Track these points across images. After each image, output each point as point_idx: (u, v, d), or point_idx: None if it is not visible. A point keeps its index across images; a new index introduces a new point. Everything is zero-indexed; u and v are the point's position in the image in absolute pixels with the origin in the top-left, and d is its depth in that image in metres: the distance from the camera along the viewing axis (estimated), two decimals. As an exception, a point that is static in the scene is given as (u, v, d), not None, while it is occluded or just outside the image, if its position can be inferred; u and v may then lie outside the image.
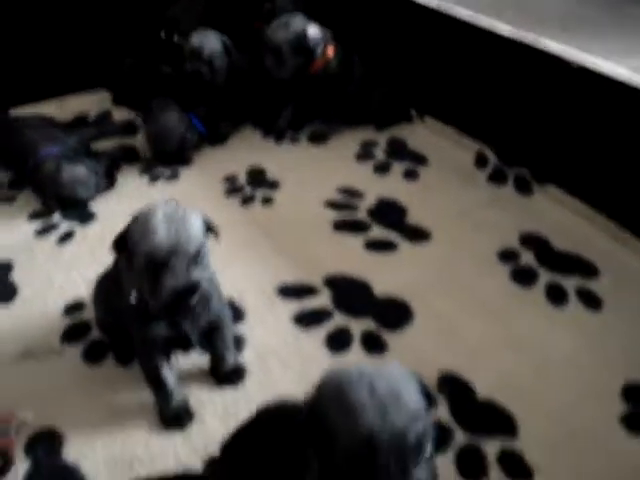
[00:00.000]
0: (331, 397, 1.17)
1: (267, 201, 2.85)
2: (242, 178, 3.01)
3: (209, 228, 1.84)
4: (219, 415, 1.95)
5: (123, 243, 1.77)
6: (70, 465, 1.87)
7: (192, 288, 1.72)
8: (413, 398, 1.15)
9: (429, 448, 1.15)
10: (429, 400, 1.22)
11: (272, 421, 1.50)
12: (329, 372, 1.23)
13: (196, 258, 1.74)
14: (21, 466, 1.88)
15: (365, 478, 1.10)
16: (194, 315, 1.84)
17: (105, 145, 3.28)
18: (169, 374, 1.94)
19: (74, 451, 1.90)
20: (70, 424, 1.97)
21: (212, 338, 2.00)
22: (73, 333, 2.26)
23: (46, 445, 1.93)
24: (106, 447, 1.90)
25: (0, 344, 2.25)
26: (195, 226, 1.76)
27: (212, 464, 1.66)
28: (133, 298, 1.82)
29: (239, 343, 2.17)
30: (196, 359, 2.11)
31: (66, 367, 2.15)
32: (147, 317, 1.83)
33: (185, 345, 1.93)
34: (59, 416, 2.00)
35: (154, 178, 3.06)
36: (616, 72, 2.34)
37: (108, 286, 2.07)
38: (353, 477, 1.12)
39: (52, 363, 2.17)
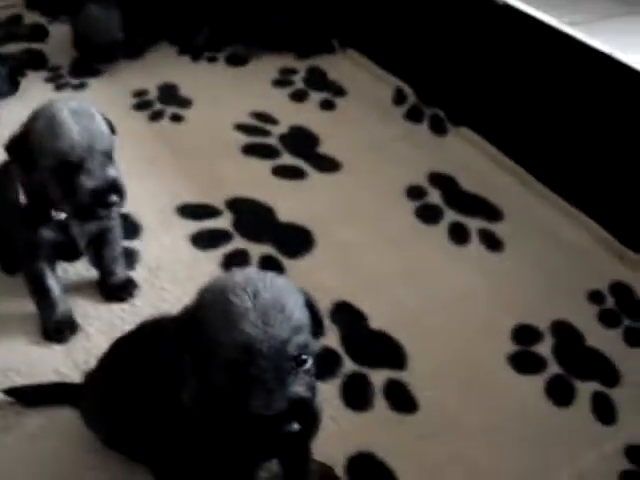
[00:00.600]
0: (212, 302, 1.11)
1: (176, 118, 2.75)
2: (153, 93, 2.90)
3: (110, 126, 1.75)
4: (104, 330, 1.88)
5: (22, 144, 1.65)
6: (-61, 373, 1.78)
7: (112, 187, 1.65)
8: (298, 310, 1.11)
9: (310, 362, 1.12)
10: (316, 316, 1.19)
11: (152, 333, 1.45)
12: (214, 278, 1.18)
13: (110, 155, 1.68)
14: None
15: (242, 387, 1.06)
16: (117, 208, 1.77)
17: (11, 49, 3.10)
18: (54, 283, 1.85)
19: (-55, 358, 1.82)
20: (-57, 330, 1.88)
21: (101, 247, 1.92)
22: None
23: None
24: (-21, 360, 1.82)
25: None
26: (103, 123, 1.68)
27: (89, 375, 1.61)
28: (23, 198, 1.73)
29: (131, 258, 2.10)
30: (83, 270, 2.04)
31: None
32: (35, 220, 1.74)
33: (72, 253, 1.85)
34: None
35: (60, 86, 2.92)
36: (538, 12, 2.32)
37: None
38: (230, 387, 1.08)
39: None
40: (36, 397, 1.72)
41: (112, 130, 1.75)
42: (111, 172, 1.65)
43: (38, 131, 1.62)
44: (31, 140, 1.63)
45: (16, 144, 1.67)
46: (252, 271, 1.18)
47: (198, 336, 1.11)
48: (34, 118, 1.65)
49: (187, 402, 1.23)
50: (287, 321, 1.08)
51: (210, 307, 1.11)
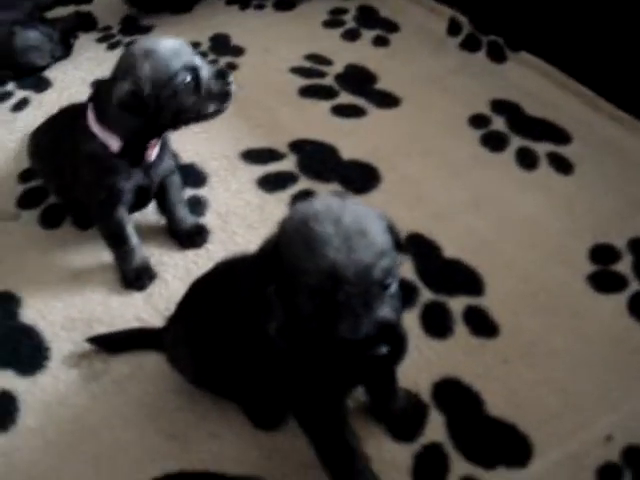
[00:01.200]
0: (295, 230, 1.10)
1: (231, 67, 2.72)
2: (205, 45, 2.88)
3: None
4: (181, 277, 1.91)
5: None
6: (27, 325, 1.83)
7: None
8: (380, 235, 1.09)
9: (395, 286, 1.11)
10: (398, 241, 1.17)
11: (230, 269, 1.46)
12: (294, 207, 1.18)
13: None
14: (-23, 328, 1.85)
15: (329, 315, 1.06)
16: (155, 164, 1.83)
17: (60, 12, 3.11)
18: (132, 231, 1.89)
19: (31, 313, 1.86)
20: (27, 287, 1.93)
21: (166, 192, 1.95)
22: (29, 198, 2.20)
23: (2, 307, 1.88)
24: (64, 309, 1.86)
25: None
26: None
27: (172, 318, 1.63)
28: (115, 144, 1.76)
29: (200, 206, 2.12)
30: (153, 220, 2.07)
31: (23, 231, 2.10)
32: (109, 168, 1.78)
33: (144, 199, 1.90)
34: (16, 279, 1.96)
35: (112, 46, 2.93)
36: None
37: (50, 140, 2.02)
38: (317, 315, 1.08)
39: (8, 228, 2.11)
40: (120, 343, 1.76)
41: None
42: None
43: None
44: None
45: None
46: (332, 198, 1.16)
47: (282, 266, 1.11)
48: None
49: (273, 334, 1.24)
50: (370, 246, 1.06)
51: (293, 236, 1.10)
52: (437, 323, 1.76)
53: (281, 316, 1.20)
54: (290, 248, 1.10)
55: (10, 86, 2.72)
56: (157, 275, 1.92)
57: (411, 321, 1.75)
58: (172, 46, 1.70)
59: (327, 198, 1.16)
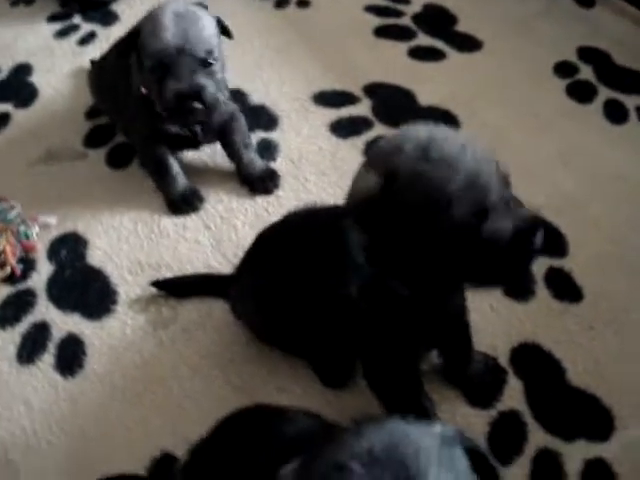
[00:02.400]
0: (419, 151, 1.01)
1: (303, 4, 2.61)
2: (274, -18, 2.76)
3: (224, 30, 1.75)
4: (250, 223, 1.85)
5: (133, 41, 1.71)
6: (94, 267, 1.80)
7: (195, 93, 1.65)
8: None
9: None
10: None
11: (305, 223, 1.40)
12: (386, 144, 1.09)
13: (204, 61, 1.66)
14: (44, 269, 1.83)
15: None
16: (201, 119, 1.79)
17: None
18: (174, 162, 1.90)
19: (99, 255, 1.84)
20: (94, 228, 1.91)
21: (228, 138, 1.92)
22: (96, 137, 2.16)
23: (70, 249, 1.86)
24: (131, 252, 1.84)
25: (21, 147, 2.16)
26: (207, 27, 1.68)
27: (238, 270, 1.59)
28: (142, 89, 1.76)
29: (271, 150, 2.05)
30: (224, 165, 2.01)
31: (90, 171, 2.06)
32: (155, 114, 1.77)
33: (193, 143, 1.90)
34: (83, 220, 1.93)
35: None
36: None
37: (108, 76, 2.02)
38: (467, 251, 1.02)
39: (76, 167, 2.08)
40: (186, 289, 1.73)
41: (227, 34, 1.76)
42: (199, 79, 1.65)
43: (143, 31, 1.68)
44: (139, 40, 1.69)
45: (127, 42, 1.74)
46: (422, 126, 1.09)
47: (399, 211, 1.02)
48: (145, 18, 1.70)
49: (355, 294, 1.18)
50: None
51: (417, 171, 1.01)
52: (517, 284, 1.67)
53: (365, 275, 1.14)
54: (420, 173, 1.00)
55: (77, 19, 2.66)
56: (205, 199, 1.92)
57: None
58: (181, 28, 1.65)
59: (415, 128, 1.09)
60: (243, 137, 1.93)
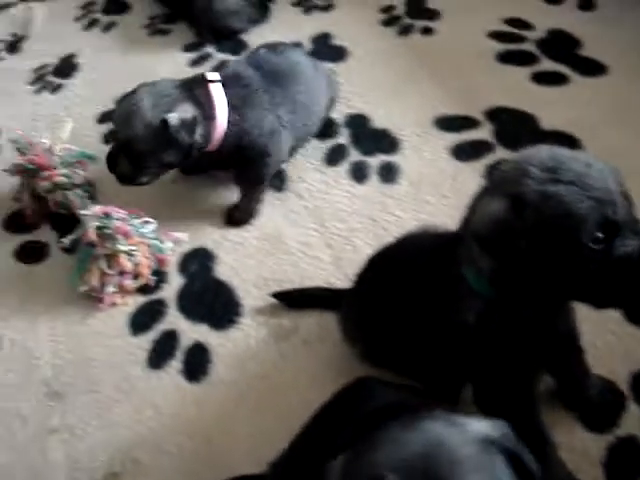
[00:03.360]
0: (545, 173, 1.04)
1: (426, 31, 2.66)
2: (400, 8, 2.82)
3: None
4: (370, 242, 1.90)
5: None
6: (222, 280, 1.90)
7: None
8: None
9: None
10: None
11: (416, 246, 1.43)
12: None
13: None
14: (175, 281, 1.93)
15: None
16: None
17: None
18: None
19: (226, 270, 1.93)
20: (222, 245, 2.01)
21: None
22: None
23: (199, 263, 1.97)
24: (257, 267, 1.92)
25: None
26: None
27: (351, 290, 1.63)
28: None
29: (392, 173, 2.10)
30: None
31: (218, 192, 2.17)
32: None
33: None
34: (212, 237, 2.03)
35: (308, 9, 2.94)
36: None
37: None
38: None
39: (206, 187, 2.19)
40: (304, 301, 1.80)
41: None
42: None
43: None
44: None
45: None
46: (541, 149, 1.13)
47: (531, 231, 1.04)
48: None
49: (471, 320, 1.20)
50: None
51: (547, 191, 1.04)
52: (638, 309, 1.64)
53: (485, 300, 1.16)
54: (548, 206, 1.02)
55: (209, 48, 2.80)
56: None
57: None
58: None
59: (536, 150, 1.13)
60: None
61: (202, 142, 1.89)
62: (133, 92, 1.90)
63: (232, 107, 1.93)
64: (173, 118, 1.81)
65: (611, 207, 1.01)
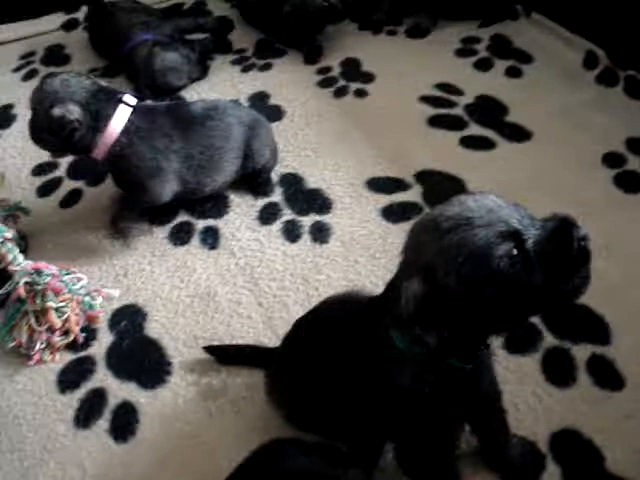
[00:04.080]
0: (435, 233, 1.07)
1: (361, 93, 2.75)
2: (336, 70, 2.92)
3: None
4: (300, 301, 1.94)
5: None
6: (152, 338, 1.90)
7: None
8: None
9: None
10: None
11: (339, 309, 1.45)
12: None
13: None
14: (105, 338, 1.93)
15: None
16: None
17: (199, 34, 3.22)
18: None
19: (156, 327, 1.93)
20: (154, 302, 2.01)
21: None
22: (160, 215, 2.28)
23: (129, 320, 1.96)
24: (188, 325, 1.93)
25: (91, 223, 2.29)
26: None
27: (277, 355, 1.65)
28: None
29: (325, 232, 2.14)
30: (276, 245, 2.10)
31: (153, 247, 2.18)
32: None
33: None
34: (144, 293, 2.03)
35: (246, 68, 3.00)
36: None
37: None
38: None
39: (140, 242, 2.20)
40: (234, 357, 1.81)
41: None
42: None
43: None
44: None
45: None
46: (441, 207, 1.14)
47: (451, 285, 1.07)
48: None
49: (406, 382, 1.22)
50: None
51: (460, 242, 1.06)
52: (559, 370, 1.70)
53: (421, 362, 1.19)
54: (454, 261, 1.04)
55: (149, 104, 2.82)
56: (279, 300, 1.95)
57: (532, 366, 1.70)
58: None
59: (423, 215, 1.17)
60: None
61: (82, 145, 2.02)
62: (57, 75, 2.06)
63: (127, 131, 2.04)
64: (56, 111, 1.96)
65: (502, 223, 1.03)
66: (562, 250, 1.05)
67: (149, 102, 2.24)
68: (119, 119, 2.02)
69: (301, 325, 1.57)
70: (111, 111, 2.02)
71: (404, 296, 1.08)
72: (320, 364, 1.40)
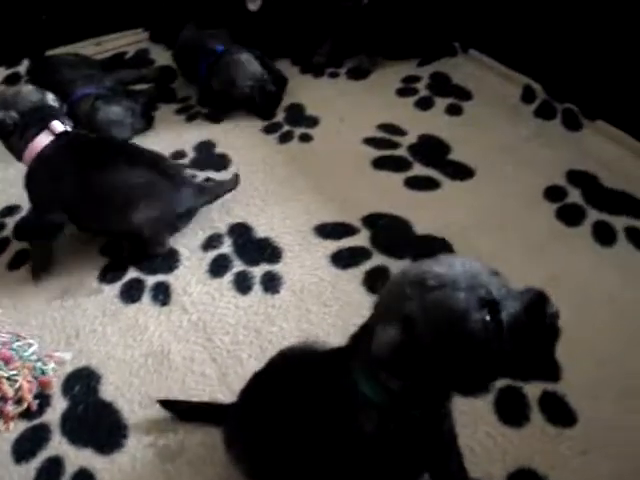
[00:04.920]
0: (419, 289, 1.10)
1: (306, 138, 2.79)
2: (280, 115, 2.95)
3: None
4: (255, 354, 1.93)
5: None
6: (106, 401, 1.88)
7: None
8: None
9: None
10: None
11: (298, 360, 1.46)
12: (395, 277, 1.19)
13: None
14: (59, 404, 1.90)
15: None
16: None
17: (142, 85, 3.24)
18: None
19: (110, 389, 1.91)
20: (107, 363, 1.98)
21: None
22: (110, 272, 2.27)
23: (83, 384, 1.94)
24: (142, 385, 1.90)
25: (37, 285, 2.27)
26: None
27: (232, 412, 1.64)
28: None
29: (275, 282, 2.15)
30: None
31: (104, 306, 2.15)
32: None
33: None
34: (97, 355, 2.01)
35: (191, 117, 3.02)
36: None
37: None
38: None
39: (90, 302, 2.18)
40: (190, 413, 1.80)
41: None
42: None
43: None
44: None
45: None
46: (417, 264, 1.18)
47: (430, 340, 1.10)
48: None
49: (369, 430, 1.22)
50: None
51: (440, 306, 1.09)
52: (512, 410, 1.72)
53: (384, 410, 1.20)
54: (433, 315, 1.08)
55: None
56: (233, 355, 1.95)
57: (485, 407, 1.72)
58: None
59: (407, 268, 1.18)
60: None
61: (16, 148, 2.24)
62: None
63: (39, 155, 2.21)
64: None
65: (483, 289, 1.08)
66: (534, 324, 1.11)
67: (76, 131, 2.35)
68: (39, 141, 2.20)
69: (258, 378, 1.56)
70: (38, 130, 2.20)
71: (378, 339, 1.12)
72: (280, 415, 1.39)
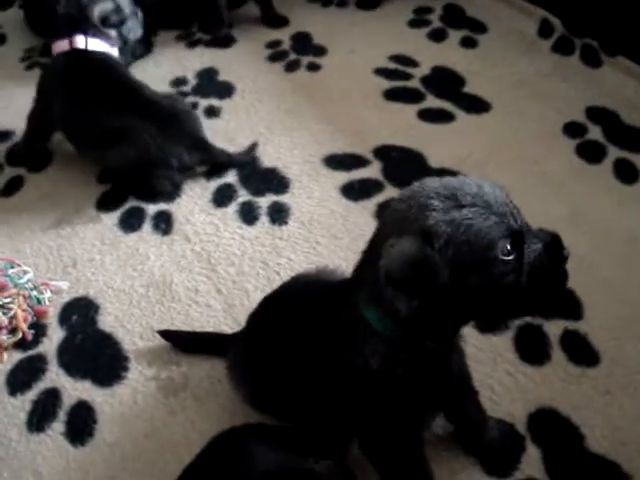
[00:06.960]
0: (447, 202, 1.04)
1: (313, 67, 2.67)
2: (286, 43, 2.83)
3: None
4: (261, 286, 1.85)
5: None
6: (105, 332, 1.80)
7: None
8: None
9: None
10: None
11: (308, 289, 1.40)
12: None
13: None
14: (56, 335, 1.82)
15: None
16: None
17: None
18: None
19: (110, 320, 1.83)
20: (106, 293, 1.90)
21: None
22: (107, 200, 2.18)
23: (81, 314, 1.86)
24: (143, 317, 1.83)
25: (34, 211, 2.17)
26: None
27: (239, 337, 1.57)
28: None
29: (283, 213, 2.06)
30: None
31: (102, 235, 2.07)
32: None
33: None
34: (95, 285, 1.93)
35: (192, 44, 2.89)
36: None
37: None
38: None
39: (88, 231, 2.09)
40: (192, 344, 1.73)
41: None
42: None
43: None
44: None
45: None
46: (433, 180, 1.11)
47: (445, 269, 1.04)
48: None
49: (375, 364, 1.16)
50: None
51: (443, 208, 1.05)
52: (533, 348, 1.65)
53: (393, 342, 1.14)
54: (459, 233, 1.02)
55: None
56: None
57: (505, 345, 1.65)
58: None
59: (426, 184, 1.10)
60: None
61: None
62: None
63: (54, 59, 2.27)
64: None
65: (512, 218, 1.04)
66: (551, 265, 1.09)
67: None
68: (58, 45, 2.23)
69: (269, 302, 1.49)
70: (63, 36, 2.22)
71: (390, 252, 1.04)
72: (287, 344, 1.33)
